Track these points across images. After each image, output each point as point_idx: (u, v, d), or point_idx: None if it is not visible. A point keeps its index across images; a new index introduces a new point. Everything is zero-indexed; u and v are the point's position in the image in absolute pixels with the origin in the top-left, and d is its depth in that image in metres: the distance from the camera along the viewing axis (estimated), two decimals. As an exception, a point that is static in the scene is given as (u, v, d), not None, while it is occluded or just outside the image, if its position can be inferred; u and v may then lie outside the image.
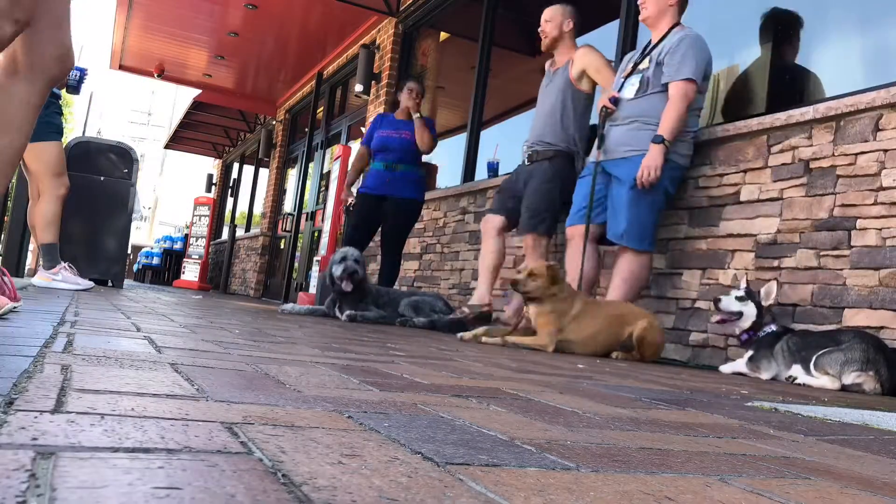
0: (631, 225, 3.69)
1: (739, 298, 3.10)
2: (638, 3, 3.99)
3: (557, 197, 4.34)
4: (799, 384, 2.73)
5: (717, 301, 3.15)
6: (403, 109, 5.85)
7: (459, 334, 3.68)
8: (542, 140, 4.43)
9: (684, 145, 3.72)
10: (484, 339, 3.53)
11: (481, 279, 4.64)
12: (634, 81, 3.83)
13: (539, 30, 4.55)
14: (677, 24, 3.87)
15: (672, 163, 3.69)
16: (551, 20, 4.50)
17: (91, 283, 4.92)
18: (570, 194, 4.23)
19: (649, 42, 3.96)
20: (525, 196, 4.41)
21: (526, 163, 4.53)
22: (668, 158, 3.66)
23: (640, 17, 4.01)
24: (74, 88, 4.71)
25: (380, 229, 5.83)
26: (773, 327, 3.02)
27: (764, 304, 3.06)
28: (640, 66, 3.84)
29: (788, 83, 4.03)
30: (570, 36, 4.51)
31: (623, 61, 4.14)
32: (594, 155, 3.95)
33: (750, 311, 3.07)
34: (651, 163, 3.57)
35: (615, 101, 3.87)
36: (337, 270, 4.73)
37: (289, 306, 5.12)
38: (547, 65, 4.69)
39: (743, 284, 3.17)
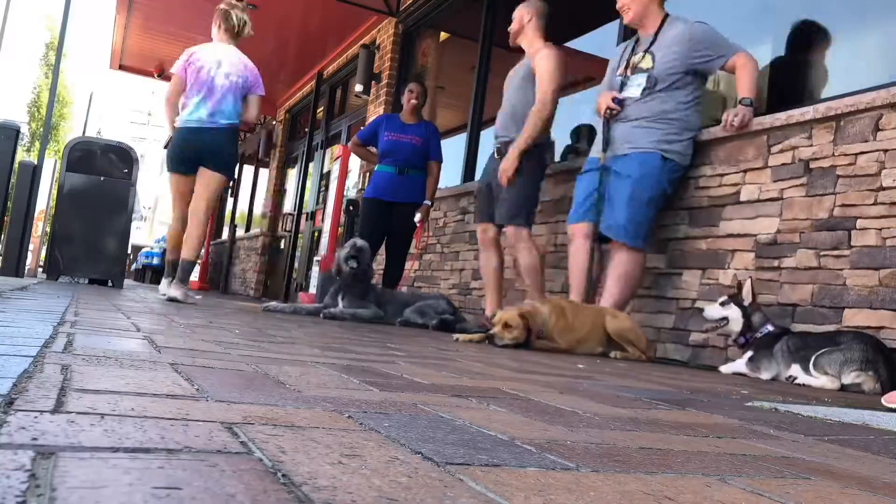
0: (628, 221, 3.69)
1: (722, 304, 3.16)
2: (618, 8, 3.97)
3: (532, 188, 4.36)
4: (799, 384, 2.73)
5: (701, 311, 3.21)
6: (407, 111, 5.88)
7: (455, 336, 3.67)
8: (509, 134, 4.43)
9: (685, 144, 3.72)
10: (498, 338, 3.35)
11: (487, 293, 4.63)
12: (640, 81, 3.79)
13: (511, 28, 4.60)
14: (666, 15, 3.87)
15: (673, 163, 3.70)
16: (515, 17, 4.56)
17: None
18: (540, 183, 4.29)
19: (637, 38, 3.95)
20: (502, 190, 4.40)
21: (496, 156, 4.53)
22: (665, 156, 3.67)
23: (626, 21, 4.00)
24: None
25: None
26: (771, 327, 3.03)
27: (745, 303, 3.08)
28: (643, 65, 3.82)
29: (788, 83, 4.03)
30: (533, 28, 4.50)
31: (616, 54, 4.11)
32: (597, 154, 3.94)
33: (734, 313, 3.11)
34: (743, 116, 3.50)
35: (619, 102, 3.84)
36: (342, 253, 4.90)
37: (273, 304, 5.14)
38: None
39: (747, 295, 3.17)
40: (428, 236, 5.87)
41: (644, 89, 3.76)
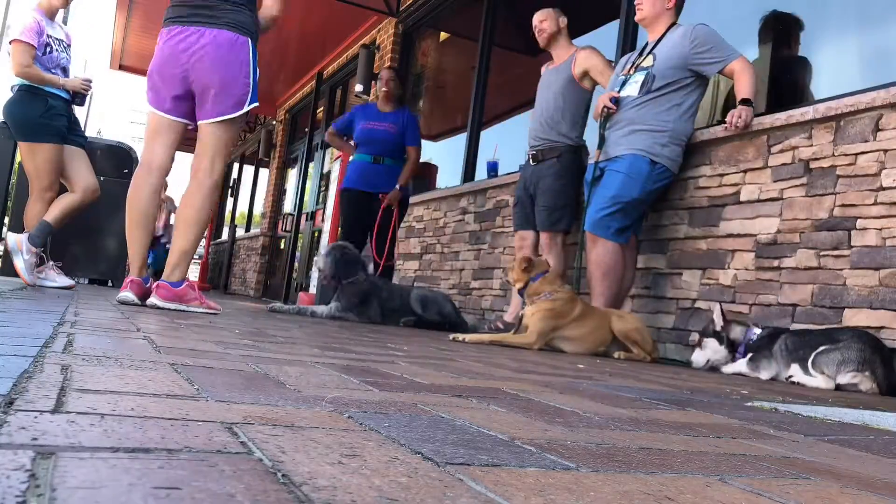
0: (604, 215, 3.76)
1: (699, 345, 3.19)
2: (634, 2, 4.00)
3: (572, 192, 4.37)
4: (794, 382, 2.74)
5: (691, 363, 3.25)
6: (381, 99, 5.76)
7: (451, 335, 3.68)
8: (547, 138, 4.44)
9: (675, 151, 3.75)
10: (467, 338, 3.51)
11: (514, 299, 4.62)
12: (638, 78, 3.82)
13: (536, 30, 4.59)
14: (674, 23, 3.90)
15: (661, 169, 3.72)
16: (547, 18, 4.55)
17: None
18: (580, 188, 4.26)
19: (646, 43, 3.98)
20: (539, 195, 4.42)
21: (531, 163, 4.52)
22: (653, 160, 3.69)
23: (636, 18, 4.01)
24: (80, 100, 4.79)
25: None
26: (758, 329, 3.05)
27: (717, 328, 3.11)
28: (644, 64, 3.85)
29: (789, 83, 4.03)
30: (566, 34, 4.56)
31: (620, 63, 4.15)
32: (594, 155, 3.96)
33: (713, 346, 3.14)
34: (744, 115, 3.50)
35: (616, 101, 3.87)
36: (321, 263, 4.89)
37: (277, 305, 5.12)
38: (544, 67, 4.70)
39: (718, 320, 3.18)
40: (394, 222, 5.54)
41: (642, 86, 3.78)
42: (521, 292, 3.64)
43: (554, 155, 4.39)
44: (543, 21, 4.55)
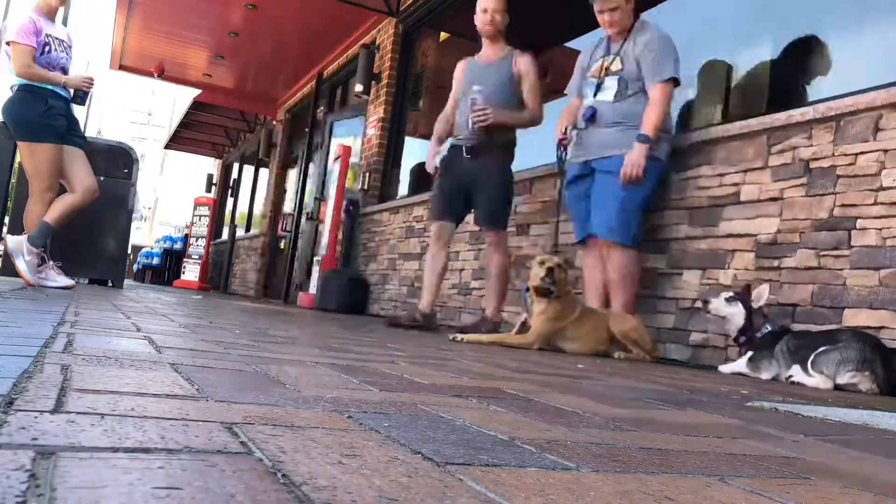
0: (620, 221, 3.73)
1: (729, 300, 3.14)
2: (605, 21, 3.85)
3: (510, 189, 4.48)
4: (793, 382, 2.74)
5: (706, 302, 3.22)
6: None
7: (451, 335, 3.67)
8: (484, 132, 4.33)
9: (666, 144, 3.77)
10: (467, 338, 3.53)
11: (427, 291, 4.57)
12: (611, 84, 3.83)
13: (487, 17, 4.49)
14: (637, 17, 3.88)
15: (659, 161, 3.72)
16: (503, 10, 4.51)
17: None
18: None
19: (609, 39, 3.93)
20: (483, 190, 4.37)
21: (465, 154, 4.41)
22: (654, 156, 3.69)
23: (613, 32, 3.88)
24: (81, 99, 4.77)
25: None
26: (770, 327, 3.03)
27: (755, 306, 3.07)
28: (613, 68, 3.84)
29: (789, 83, 4.03)
30: (505, 25, 4.54)
31: (583, 56, 4.10)
32: (577, 160, 3.96)
33: (738, 313, 3.10)
34: (637, 160, 3.60)
35: (593, 114, 3.85)
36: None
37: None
38: (465, 60, 4.71)
39: (759, 300, 3.15)
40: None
41: (616, 93, 3.80)
42: (537, 291, 3.55)
43: (493, 151, 4.36)
44: (499, 12, 4.47)
